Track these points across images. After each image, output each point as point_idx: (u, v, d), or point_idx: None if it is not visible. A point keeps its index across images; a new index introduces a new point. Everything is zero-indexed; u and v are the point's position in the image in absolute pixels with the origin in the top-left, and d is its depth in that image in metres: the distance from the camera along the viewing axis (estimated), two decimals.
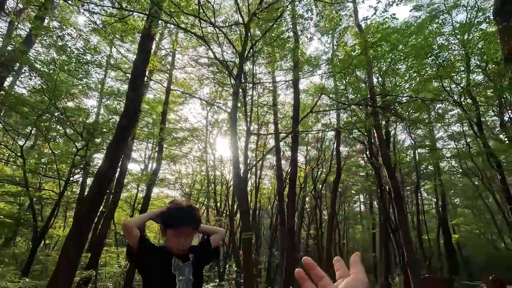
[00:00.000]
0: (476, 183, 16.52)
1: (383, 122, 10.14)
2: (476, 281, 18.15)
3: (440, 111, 14.98)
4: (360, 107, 9.87)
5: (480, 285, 15.33)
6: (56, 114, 9.07)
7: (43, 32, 8.40)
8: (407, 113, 11.61)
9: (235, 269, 10.52)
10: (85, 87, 11.82)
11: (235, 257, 11.32)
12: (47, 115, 9.32)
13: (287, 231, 8.08)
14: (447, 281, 11.74)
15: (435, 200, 25.47)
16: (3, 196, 9.67)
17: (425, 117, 15.83)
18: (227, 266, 12.72)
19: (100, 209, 10.84)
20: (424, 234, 21.91)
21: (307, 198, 22.03)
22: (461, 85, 10.92)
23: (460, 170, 18.04)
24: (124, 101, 7.07)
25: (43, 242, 13.11)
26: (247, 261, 5.98)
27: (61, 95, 9.76)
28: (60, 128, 11.11)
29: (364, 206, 33.72)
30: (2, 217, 9.85)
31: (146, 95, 13.19)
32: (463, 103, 11.39)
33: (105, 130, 9.54)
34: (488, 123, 17.37)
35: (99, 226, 11.54)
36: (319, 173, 18.61)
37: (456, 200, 28.42)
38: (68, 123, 9.35)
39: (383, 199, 12.68)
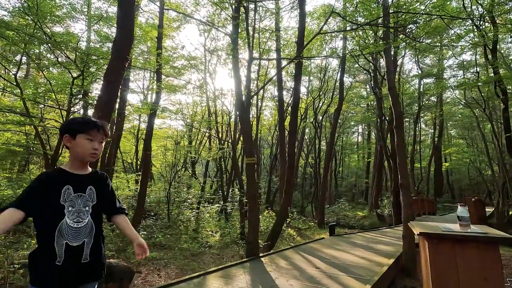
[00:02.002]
0: (477, 114, 16.64)
1: (393, 48, 9.58)
2: (458, 202, 20.00)
3: (453, 37, 14.05)
4: (371, 30, 9.15)
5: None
6: (44, 38, 8.46)
7: None
8: (420, 38, 10.89)
9: (238, 192, 11.38)
10: (70, 8, 10.89)
11: (238, 181, 12.15)
12: (35, 40, 8.72)
13: (286, 157, 8.46)
14: (431, 201, 12.91)
15: (432, 131, 26.10)
16: (8, 126, 9.81)
17: (437, 44, 14.94)
18: (230, 190, 13.77)
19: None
20: (417, 163, 23.09)
21: (306, 129, 22.44)
22: (483, 5, 9.96)
23: (463, 101, 17.97)
24: (115, 27, 6.49)
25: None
26: (250, 183, 6.41)
27: (46, 17, 9.01)
28: (52, 56, 10.57)
29: (361, 137, 34.71)
30: (11, 146, 10.24)
31: (138, 18, 12.15)
32: (481, 27, 10.58)
33: (100, 57, 9.05)
34: (502, 51, 16.54)
35: (106, 155, 12.08)
36: (320, 103, 18.48)
37: (452, 131, 29.14)
38: (59, 49, 8.82)
39: (382, 128, 12.91)
